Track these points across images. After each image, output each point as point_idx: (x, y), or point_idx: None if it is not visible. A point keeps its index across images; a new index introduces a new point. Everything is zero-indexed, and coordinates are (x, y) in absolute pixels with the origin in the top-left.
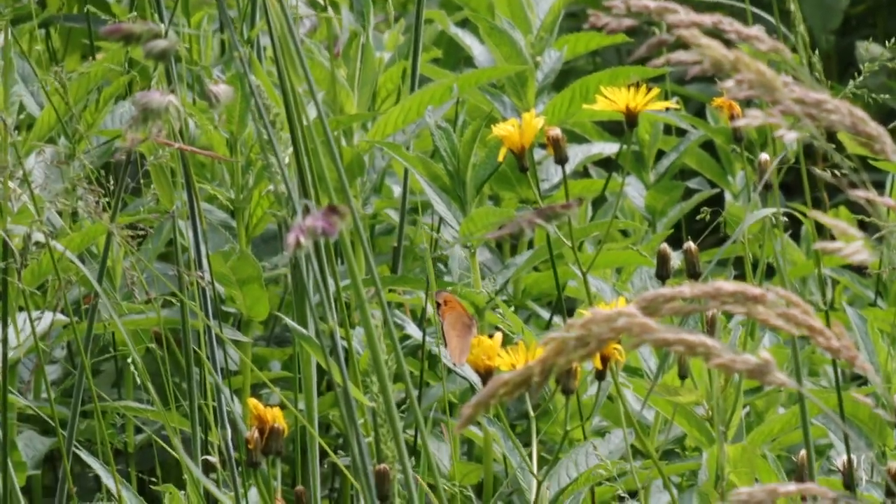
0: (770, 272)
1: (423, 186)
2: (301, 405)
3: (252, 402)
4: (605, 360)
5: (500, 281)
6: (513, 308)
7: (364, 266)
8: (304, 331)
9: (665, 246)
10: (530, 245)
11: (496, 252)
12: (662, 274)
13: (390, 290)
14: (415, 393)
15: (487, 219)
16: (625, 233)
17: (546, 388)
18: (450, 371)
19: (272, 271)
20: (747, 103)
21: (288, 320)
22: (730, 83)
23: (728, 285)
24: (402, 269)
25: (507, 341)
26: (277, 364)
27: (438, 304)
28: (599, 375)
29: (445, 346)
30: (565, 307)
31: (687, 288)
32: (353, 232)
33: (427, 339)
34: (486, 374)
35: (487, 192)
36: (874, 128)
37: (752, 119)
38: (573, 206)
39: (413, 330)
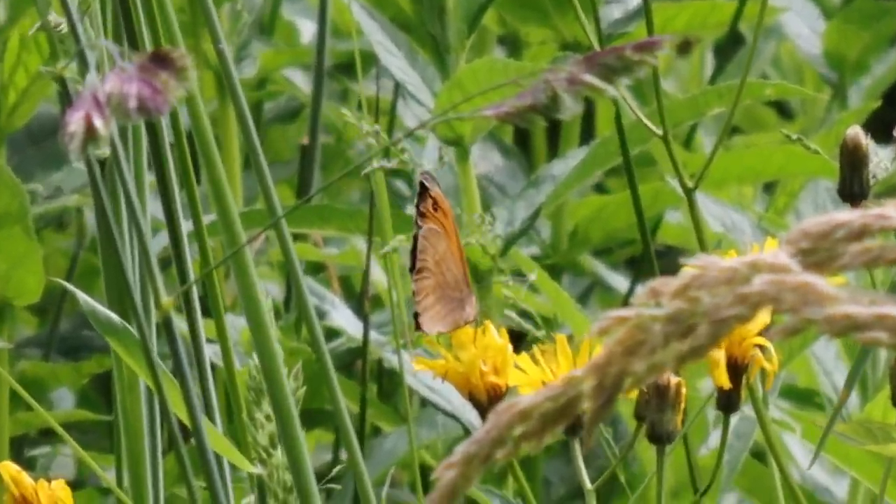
0: None
1: (360, 20)
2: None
3: (8, 471)
4: (736, 369)
5: (522, 214)
6: (548, 267)
7: (240, 186)
8: (115, 320)
9: (857, 133)
10: (585, 137)
11: (514, 153)
12: (854, 190)
13: (296, 237)
14: (355, 447)
15: (491, 79)
16: (781, 108)
17: (615, 425)
18: (424, 403)
19: (52, 202)
20: None
21: (84, 298)
22: None
23: None
24: (317, 185)
25: (532, 340)
26: (69, 395)
27: (421, 194)
28: (726, 402)
29: (414, 298)
30: (658, 267)
31: (894, 210)
32: (220, 112)
33: (374, 335)
34: (488, 404)
35: (495, 28)
36: None
37: None
38: (662, 47)
39: (344, 319)
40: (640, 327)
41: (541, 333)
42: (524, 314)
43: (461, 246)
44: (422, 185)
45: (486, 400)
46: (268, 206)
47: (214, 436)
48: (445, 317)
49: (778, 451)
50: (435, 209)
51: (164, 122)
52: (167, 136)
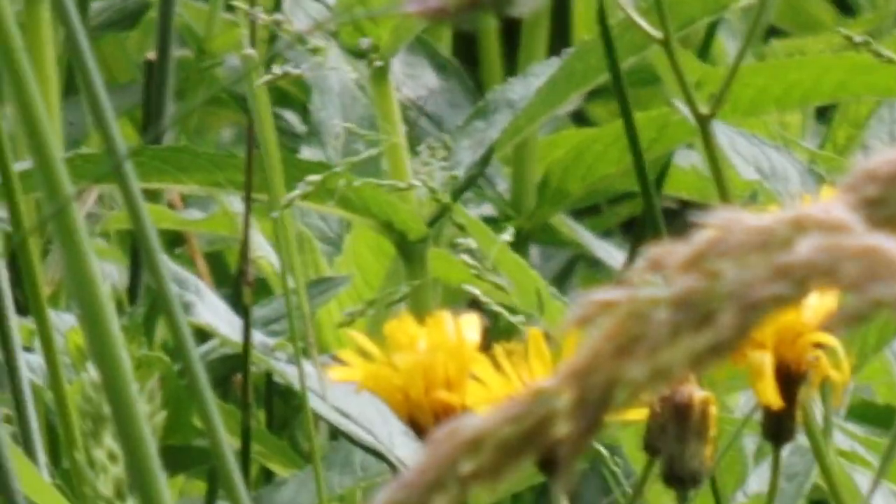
0: None
1: None
2: None
3: None
4: (790, 380)
5: (467, 156)
6: (509, 234)
7: (60, 121)
8: None
9: None
10: (557, 44)
11: (454, 70)
12: None
13: (143, 195)
14: (241, 498)
15: None
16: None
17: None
18: (335, 434)
19: None
20: None
21: None
22: None
23: None
24: (170, 118)
25: (498, 333)
26: None
27: None
28: (777, 428)
29: None
30: (669, 232)
31: None
32: (27, 14)
33: (259, 336)
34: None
35: None
36: None
37: None
38: None
39: (215, 313)
40: (636, 315)
41: (516, 320)
42: (474, 304)
43: None
44: None
45: (434, 427)
46: (107, 149)
47: (33, 483)
48: None
49: (844, 498)
50: None
51: None
52: None
